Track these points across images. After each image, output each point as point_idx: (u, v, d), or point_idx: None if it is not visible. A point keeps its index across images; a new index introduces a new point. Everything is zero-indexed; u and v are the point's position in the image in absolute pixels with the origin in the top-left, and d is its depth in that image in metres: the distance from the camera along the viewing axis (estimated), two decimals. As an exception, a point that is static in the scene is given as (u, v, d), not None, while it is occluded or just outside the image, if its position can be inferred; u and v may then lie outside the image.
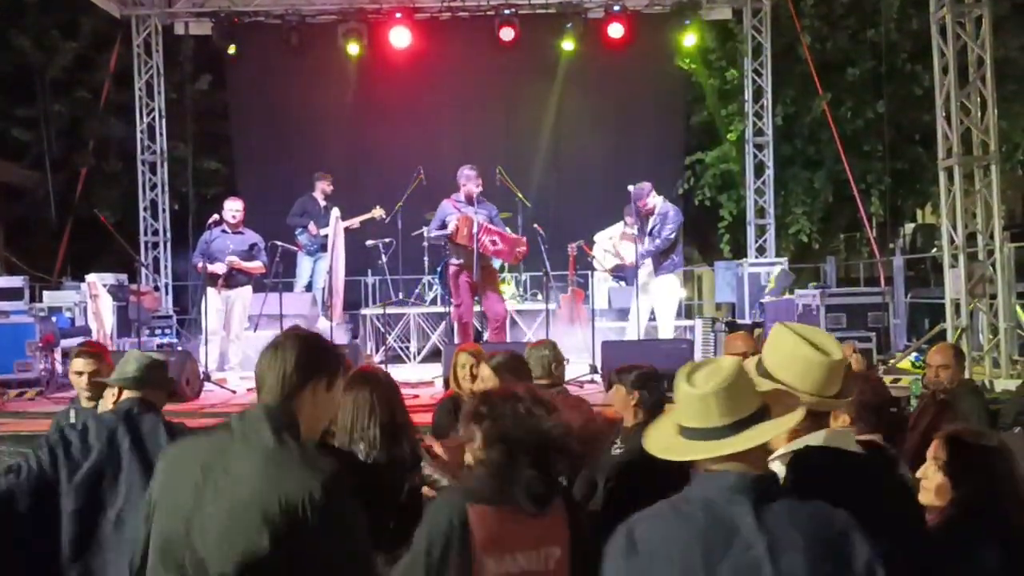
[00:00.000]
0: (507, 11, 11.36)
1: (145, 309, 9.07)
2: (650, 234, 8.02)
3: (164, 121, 11.93)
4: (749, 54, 11.86)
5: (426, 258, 9.54)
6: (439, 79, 11.81)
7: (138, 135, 11.84)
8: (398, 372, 8.08)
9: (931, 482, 2.32)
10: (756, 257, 11.54)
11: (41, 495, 2.69)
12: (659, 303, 8.14)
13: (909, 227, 17.75)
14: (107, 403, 3.06)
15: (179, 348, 8.93)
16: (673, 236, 8.00)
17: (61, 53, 14.12)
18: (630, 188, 8.07)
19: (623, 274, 9.44)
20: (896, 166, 13.26)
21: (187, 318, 11.07)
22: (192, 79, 13.64)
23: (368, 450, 2.88)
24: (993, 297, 7.74)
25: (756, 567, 1.64)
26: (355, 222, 9.65)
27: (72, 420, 3.68)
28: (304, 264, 10.06)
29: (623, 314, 8.89)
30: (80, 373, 3.71)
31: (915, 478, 2.42)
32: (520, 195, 9.63)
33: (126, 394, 3.02)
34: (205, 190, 14.12)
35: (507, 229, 8.28)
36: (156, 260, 11.81)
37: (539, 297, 9.61)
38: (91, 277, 8.72)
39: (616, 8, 11.37)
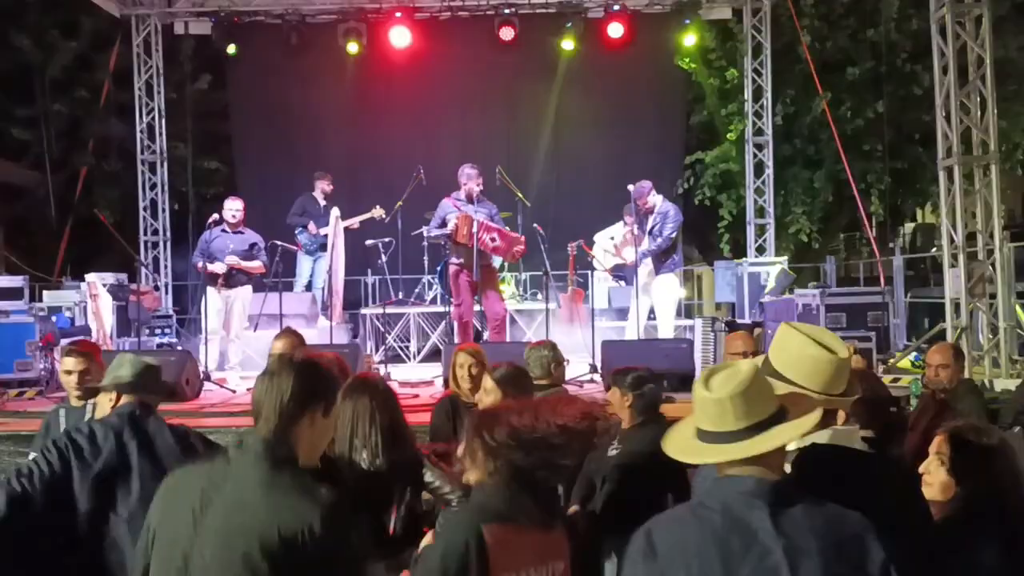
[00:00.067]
0: (507, 11, 11.36)
1: (145, 309, 9.07)
2: (650, 233, 8.02)
3: (164, 121, 11.93)
4: (749, 54, 11.86)
5: (426, 258, 9.54)
6: (439, 79, 11.81)
7: (138, 135, 11.84)
8: (398, 372, 8.09)
9: (934, 478, 2.34)
10: (756, 257, 11.54)
11: (54, 497, 2.68)
12: (658, 302, 8.14)
13: (909, 227, 17.79)
14: (104, 407, 3.02)
15: (179, 348, 8.93)
16: (674, 235, 8.01)
17: (61, 53, 14.11)
18: (630, 188, 8.07)
19: (623, 274, 9.44)
20: (896, 166, 13.27)
21: (187, 318, 11.07)
22: (192, 79, 13.63)
23: (370, 457, 2.88)
24: (993, 297, 7.74)
25: (774, 571, 1.66)
26: (355, 222, 9.66)
27: (62, 419, 3.67)
28: (304, 264, 10.07)
29: (623, 314, 8.90)
30: (70, 372, 3.67)
31: (919, 474, 2.43)
32: (520, 195, 9.63)
33: (124, 398, 3.01)
34: (205, 190, 14.12)
35: (507, 228, 8.27)
36: (156, 260, 11.81)
37: (539, 297, 9.61)
38: (91, 277, 8.72)
39: (616, 7, 11.37)
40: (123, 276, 9.66)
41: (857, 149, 12.65)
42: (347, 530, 1.95)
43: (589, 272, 10.06)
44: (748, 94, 11.97)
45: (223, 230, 8.02)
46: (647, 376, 3.67)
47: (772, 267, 10.35)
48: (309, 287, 9.98)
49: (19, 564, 2.61)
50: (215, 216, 8.09)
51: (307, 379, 2.02)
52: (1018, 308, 7.99)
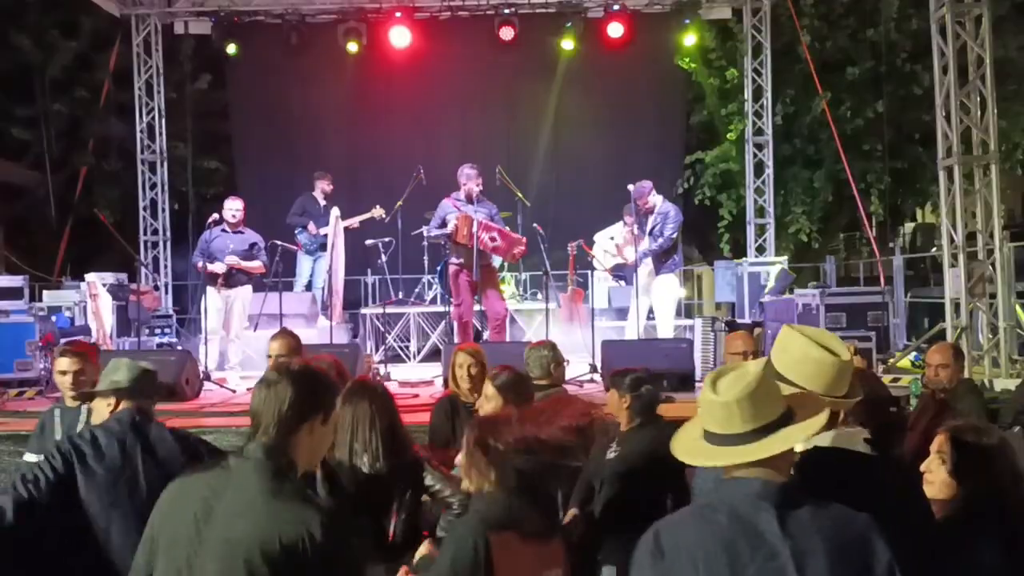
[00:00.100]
0: (507, 10, 11.37)
1: (145, 308, 9.07)
2: (651, 234, 8.02)
3: (164, 120, 11.93)
4: (749, 53, 11.86)
5: (426, 257, 9.54)
6: (439, 79, 11.81)
7: (138, 134, 11.84)
8: (398, 371, 8.09)
9: (935, 477, 2.35)
10: (756, 256, 11.54)
11: (59, 502, 2.68)
12: (658, 303, 8.14)
13: (909, 226, 17.78)
14: (102, 412, 3.00)
15: (179, 347, 8.93)
16: (675, 236, 8.02)
17: (61, 52, 14.11)
18: (630, 187, 8.07)
19: (623, 273, 9.44)
20: (896, 165, 13.27)
21: (187, 317, 11.07)
22: (192, 78, 13.64)
23: (371, 461, 2.89)
24: (993, 296, 7.74)
25: (781, 572, 1.68)
26: (355, 221, 9.65)
27: (57, 420, 3.65)
28: (304, 263, 10.07)
29: (623, 313, 8.89)
30: (64, 373, 3.65)
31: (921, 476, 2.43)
32: (520, 195, 9.63)
33: (122, 403, 3.00)
34: (205, 189, 14.12)
35: (507, 228, 8.27)
36: (156, 259, 11.81)
37: (539, 296, 9.61)
38: (91, 276, 8.72)
39: (616, 7, 11.37)
40: (123, 276, 9.66)
41: (857, 149, 12.65)
42: (347, 536, 1.96)
43: (589, 272, 10.06)
44: (748, 94, 11.97)
45: (223, 230, 8.02)
46: (645, 377, 3.68)
47: (772, 267, 10.35)
48: (309, 287, 9.98)
49: (26, 568, 2.62)
50: (215, 216, 8.09)
51: (305, 388, 2.02)
52: (1018, 308, 7.99)
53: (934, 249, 12.63)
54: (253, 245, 8.06)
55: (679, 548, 1.73)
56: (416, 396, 6.75)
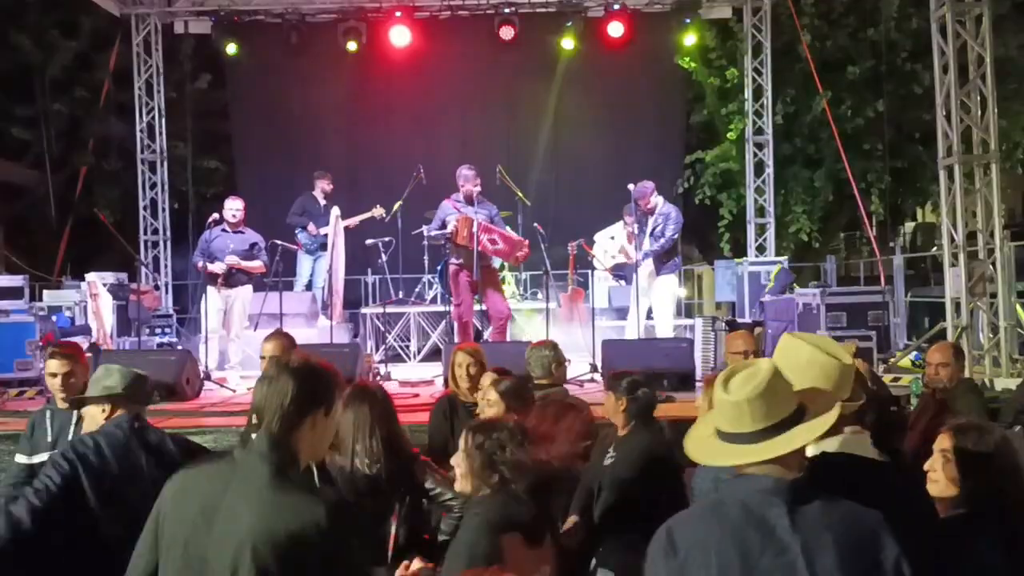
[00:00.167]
0: (507, 10, 11.36)
1: (145, 308, 9.07)
2: (652, 234, 8.02)
3: (164, 120, 11.92)
4: (749, 53, 11.86)
5: (426, 257, 9.54)
6: (439, 78, 11.80)
7: (138, 134, 11.84)
8: (398, 371, 8.09)
9: (938, 474, 2.36)
10: (756, 256, 11.54)
11: (68, 508, 2.70)
12: (657, 303, 8.15)
13: (909, 226, 17.80)
14: (97, 418, 2.99)
15: (179, 347, 8.93)
16: (676, 236, 8.02)
17: (61, 52, 14.11)
18: (630, 187, 8.07)
19: (623, 273, 9.44)
20: (896, 165, 13.26)
21: (187, 317, 11.06)
22: (192, 78, 13.64)
23: (371, 465, 2.90)
24: (993, 296, 7.74)
25: (791, 567, 1.70)
26: (355, 221, 9.65)
27: (48, 421, 3.65)
28: (304, 263, 10.06)
29: (623, 313, 8.90)
30: (54, 375, 3.63)
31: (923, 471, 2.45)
32: (520, 194, 9.63)
33: (118, 409, 2.99)
34: (205, 189, 14.14)
35: (508, 229, 8.27)
36: (156, 259, 11.81)
37: (539, 296, 9.61)
38: (91, 276, 8.71)
39: (616, 6, 11.36)
40: (123, 275, 9.65)
41: (857, 148, 12.65)
42: (353, 528, 1.98)
43: (589, 272, 10.06)
44: (748, 93, 11.96)
45: (223, 230, 8.02)
46: (641, 381, 3.68)
47: (772, 266, 10.35)
48: (309, 286, 9.98)
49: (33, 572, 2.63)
50: (215, 216, 8.09)
51: (306, 383, 2.04)
52: (1018, 307, 7.99)
53: (934, 248, 12.64)
54: (253, 245, 8.06)
55: (692, 544, 1.75)
56: (416, 396, 6.76)
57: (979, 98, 7.81)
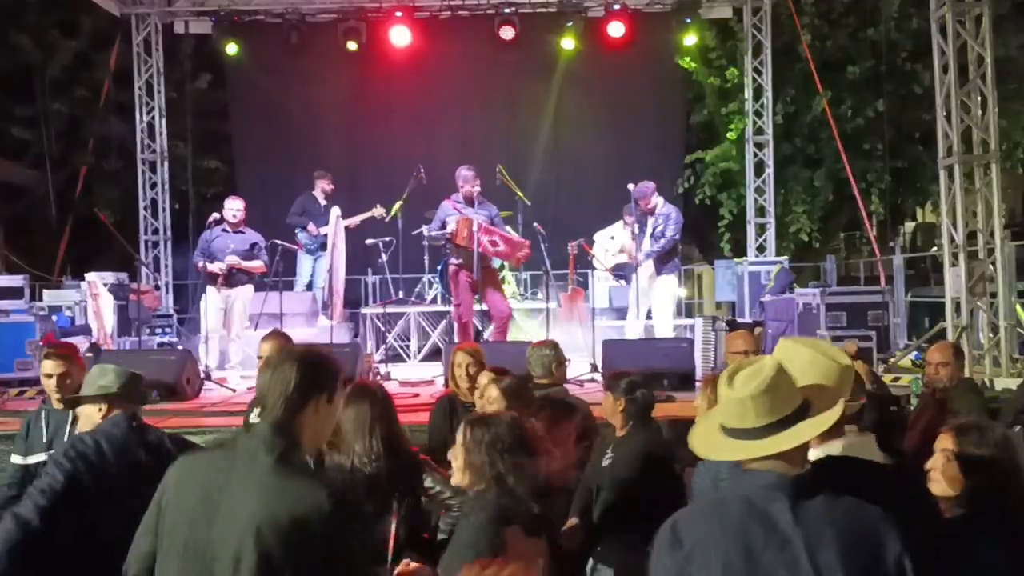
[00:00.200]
0: (507, 10, 11.36)
1: (145, 308, 9.07)
2: (652, 235, 8.02)
3: (164, 120, 11.91)
4: (749, 52, 11.86)
5: (426, 257, 9.54)
6: (439, 78, 11.80)
7: (138, 134, 11.84)
8: (398, 371, 8.09)
9: (940, 473, 2.37)
10: (756, 256, 11.54)
11: (74, 506, 2.70)
12: (657, 302, 8.15)
13: (909, 226, 17.80)
14: (92, 417, 2.99)
15: (179, 347, 8.93)
16: (677, 237, 8.03)
17: (61, 52, 14.12)
18: (630, 187, 8.07)
19: (623, 273, 9.44)
20: (896, 165, 13.26)
21: (187, 317, 11.06)
22: (192, 78, 13.65)
23: (370, 463, 2.90)
24: (993, 296, 7.74)
25: (794, 561, 1.72)
26: (355, 221, 9.66)
27: (43, 421, 3.65)
28: (304, 263, 10.07)
29: (623, 313, 8.90)
30: (50, 376, 3.62)
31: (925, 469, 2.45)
32: (520, 194, 9.63)
33: (114, 408, 2.98)
34: (205, 189, 14.14)
35: (508, 229, 8.27)
36: (156, 259, 11.80)
37: (539, 296, 9.61)
38: (91, 276, 8.71)
39: (616, 6, 11.36)
40: (123, 275, 9.65)
41: (857, 148, 12.65)
42: (356, 514, 2.01)
43: (589, 271, 10.06)
44: (748, 93, 11.96)
45: (224, 229, 8.02)
46: (639, 381, 3.69)
47: (772, 266, 10.35)
48: (310, 286, 9.98)
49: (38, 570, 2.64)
50: (215, 215, 8.09)
51: (310, 369, 2.06)
52: (1018, 307, 7.99)
53: (934, 248, 12.65)
54: (254, 245, 8.06)
55: (696, 537, 1.78)
56: (416, 396, 6.76)
57: (979, 98, 7.81)
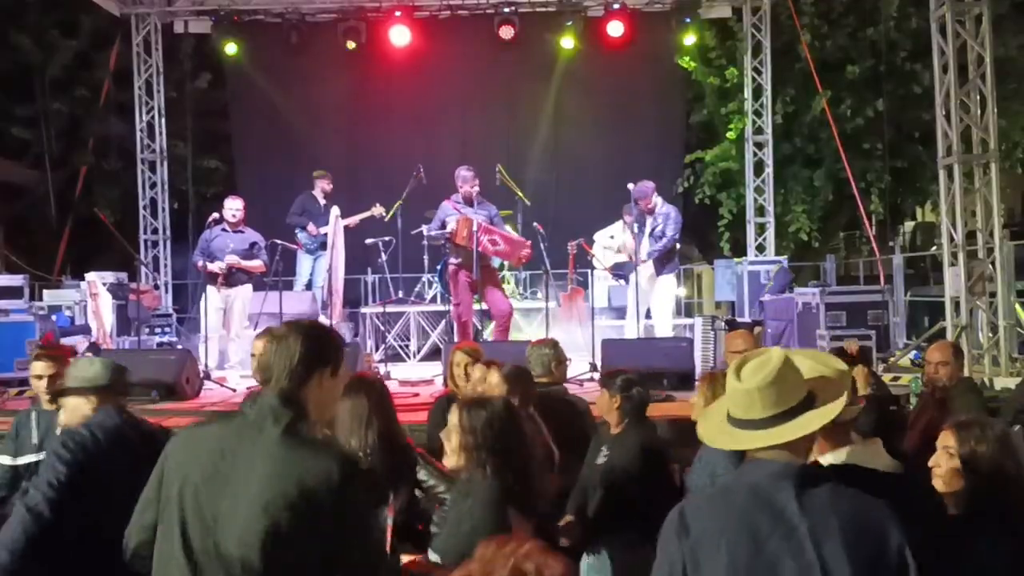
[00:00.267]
0: (507, 9, 11.37)
1: (145, 308, 9.07)
2: (652, 235, 8.02)
3: (164, 119, 11.92)
4: (749, 52, 11.86)
5: (426, 256, 9.55)
6: (439, 78, 11.80)
7: (138, 134, 11.84)
8: (398, 370, 8.10)
9: (942, 470, 2.40)
10: (756, 255, 11.54)
11: (77, 498, 2.71)
12: (657, 303, 8.16)
13: (909, 225, 17.79)
14: (81, 410, 2.98)
15: (179, 346, 8.93)
16: (676, 237, 8.03)
17: (61, 52, 14.10)
18: (630, 186, 8.07)
19: (622, 272, 9.44)
20: (896, 164, 13.26)
21: (187, 316, 11.07)
22: (192, 77, 13.64)
23: (367, 455, 2.90)
24: (993, 295, 7.74)
25: (799, 548, 1.74)
26: (355, 220, 9.66)
27: (34, 422, 3.66)
28: (304, 263, 10.07)
29: (622, 312, 8.91)
30: (40, 377, 3.63)
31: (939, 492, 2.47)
32: (520, 193, 9.63)
33: (103, 401, 2.98)
34: (205, 189, 14.12)
35: (508, 228, 8.27)
36: (156, 258, 11.81)
37: (538, 295, 9.61)
38: (91, 275, 8.72)
39: (616, 6, 11.36)
40: (123, 275, 9.65)
41: (857, 148, 12.64)
42: (364, 484, 2.04)
43: (589, 271, 10.06)
44: (748, 93, 11.96)
45: (223, 229, 8.03)
46: (636, 379, 3.70)
47: (772, 266, 10.36)
48: (309, 286, 9.98)
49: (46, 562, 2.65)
50: (215, 215, 8.10)
51: (314, 341, 2.08)
52: (1018, 307, 8.00)
53: (934, 248, 12.65)
54: (253, 244, 8.07)
55: (703, 525, 1.81)
56: (416, 395, 6.76)
57: (979, 98, 7.82)
